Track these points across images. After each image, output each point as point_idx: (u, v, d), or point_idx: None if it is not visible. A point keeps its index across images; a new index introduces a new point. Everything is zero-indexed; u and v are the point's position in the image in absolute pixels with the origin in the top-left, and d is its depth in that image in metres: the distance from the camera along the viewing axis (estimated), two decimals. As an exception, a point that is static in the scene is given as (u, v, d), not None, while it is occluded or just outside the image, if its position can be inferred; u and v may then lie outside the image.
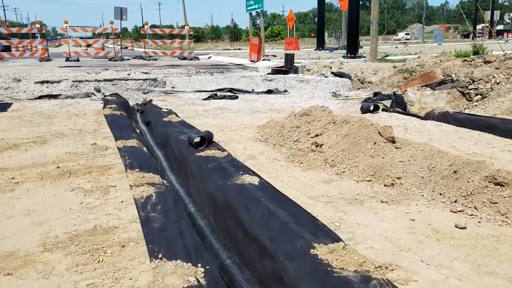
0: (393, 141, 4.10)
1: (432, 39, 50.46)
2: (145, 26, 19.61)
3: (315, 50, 23.52)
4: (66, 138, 5.41)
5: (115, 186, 3.59)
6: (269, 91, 9.85)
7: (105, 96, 9.01)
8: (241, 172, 3.80)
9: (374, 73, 9.72)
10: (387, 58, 15.21)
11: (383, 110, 7.20)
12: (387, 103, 7.91)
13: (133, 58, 20.75)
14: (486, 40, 46.37)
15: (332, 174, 3.78)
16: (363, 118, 4.41)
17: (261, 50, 15.19)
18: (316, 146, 4.33)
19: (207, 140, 4.84)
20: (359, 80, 9.89)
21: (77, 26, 20.63)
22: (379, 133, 4.20)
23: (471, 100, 7.16)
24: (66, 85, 9.79)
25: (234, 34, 61.51)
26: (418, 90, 7.94)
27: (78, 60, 18.23)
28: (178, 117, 6.80)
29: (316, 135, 4.52)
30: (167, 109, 7.59)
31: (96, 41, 22.83)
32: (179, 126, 6.11)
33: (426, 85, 8.25)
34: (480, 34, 54.23)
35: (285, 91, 9.99)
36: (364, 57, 14.39)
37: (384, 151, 3.96)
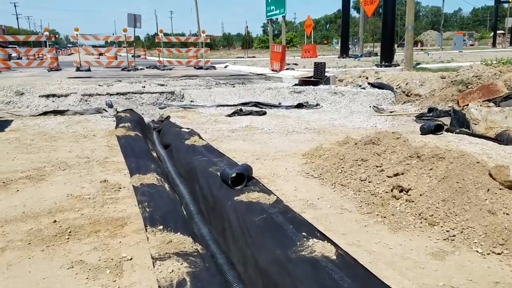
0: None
1: (449, 46, 49.02)
2: (160, 34, 18.70)
3: (338, 57, 22.34)
4: (70, 171, 4.36)
5: (131, 260, 2.50)
6: (300, 105, 8.76)
7: (117, 112, 7.99)
8: (304, 234, 2.70)
9: (421, 84, 8.57)
10: (419, 66, 14.03)
11: (446, 130, 6.05)
12: (446, 120, 6.76)
13: (146, 67, 19.85)
14: (508, 47, 44.88)
15: (439, 240, 2.65)
16: (464, 152, 3.27)
17: (284, 59, 14.11)
18: (400, 191, 3.20)
19: (246, 177, 3.76)
20: (404, 92, 8.74)
21: (89, 34, 19.84)
22: (490, 175, 3.07)
23: (552, 119, 5.98)
24: (75, 100, 8.81)
25: (247, 41, 60.78)
26: (481, 105, 6.77)
27: (89, 70, 17.35)
28: (202, 139, 5.74)
29: (396, 175, 3.39)
30: (188, 128, 6.55)
31: (108, 49, 22.00)
32: (206, 153, 5.04)
33: (488, 100, 7.08)
34: (501, 42, 52.67)
35: (317, 104, 8.88)
36: (399, 65, 13.24)
37: (504, 202, 2.83)
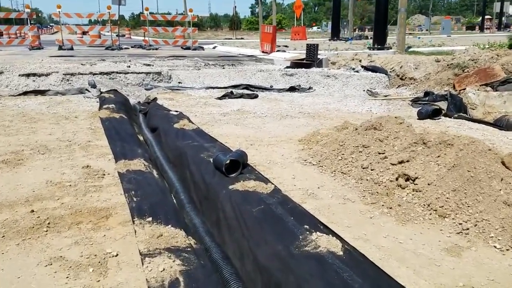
0: (526, 177, 2.78)
1: (437, 30, 48.83)
2: (146, 12, 18.09)
3: (329, 40, 21.97)
4: (50, 155, 4.06)
5: (117, 256, 2.26)
6: (292, 88, 8.50)
7: (101, 92, 7.64)
8: (306, 227, 2.49)
9: (415, 68, 8.36)
10: (411, 50, 13.82)
11: (443, 115, 5.87)
12: (442, 105, 6.58)
13: (131, 47, 19.26)
14: (496, 33, 44.92)
15: (453, 234, 2.45)
16: (474, 139, 3.07)
17: (275, 40, 13.73)
18: (406, 180, 3.00)
19: (241, 164, 3.52)
20: (398, 76, 8.52)
21: (72, 12, 19.13)
22: (502, 163, 2.88)
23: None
24: (56, 79, 8.40)
25: (235, 23, 59.84)
26: (478, 90, 6.60)
27: (72, 49, 16.75)
28: (192, 123, 5.47)
29: (401, 162, 3.19)
30: (176, 111, 6.26)
31: (92, 28, 21.29)
32: (196, 137, 4.78)
33: (485, 84, 6.91)
34: (488, 26, 52.70)
35: (310, 88, 8.63)
36: (391, 48, 13.00)
37: (520, 193, 2.64)
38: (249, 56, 13.85)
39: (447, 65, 7.76)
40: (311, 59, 10.00)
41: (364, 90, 8.35)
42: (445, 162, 2.95)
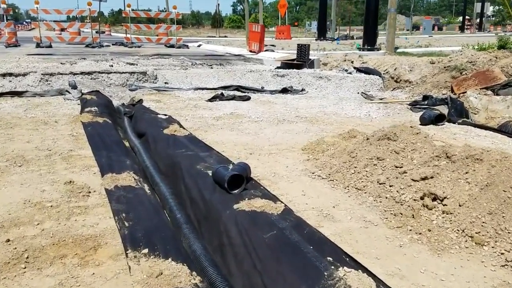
0: None
1: (417, 30, 49.17)
2: (128, 9, 17.49)
3: (316, 40, 21.70)
4: (28, 168, 3.63)
5: (110, 303, 1.88)
6: (284, 90, 8.16)
7: (82, 94, 7.17)
8: (330, 259, 2.16)
9: (410, 70, 8.13)
10: (399, 50, 13.64)
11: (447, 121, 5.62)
12: (442, 109, 6.34)
13: (112, 44, 18.62)
14: (476, 33, 45.48)
15: (497, 267, 2.15)
16: (507, 154, 2.79)
17: (263, 39, 13.36)
18: (433, 200, 2.69)
19: (245, 179, 3.17)
20: (392, 78, 8.27)
21: (50, 8, 18.34)
22: (540, 182, 2.59)
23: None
24: (34, 79, 7.88)
25: (217, 20, 59.24)
26: (479, 94, 6.39)
27: (50, 46, 16.06)
28: (183, 128, 5.10)
29: (424, 179, 2.88)
30: (165, 115, 5.86)
31: (71, 25, 20.58)
32: (189, 145, 4.41)
33: (486, 87, 6.70)
34: (468, 27, 53.36)
35: (302, 90, 8.31)
36: (381, 49, 12.77)
37: None
38: (236, 55, 13.45)
39: (444, 67, 7.55)
40: (302, 60, 9.68)
41: (358, 93, 8.08)
42: (476, 180, 2.65)
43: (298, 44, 10.17)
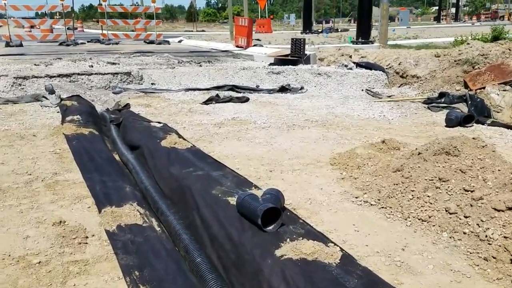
0: None
1: (393, 22, 49.14)
2: (104, 3, 16.51)
3: (301, 33, 21.08)
4: (5, 202, 2.92)
5: None
6: (283, 89, 7.54)
7: (61, 99, 6.38)
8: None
9: (415, 64, 7.62)
10: (389, 43, 13.17)
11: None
12: (461, 107, 5.85)
13: (88, 41, 17.61)
14: (453, 23, 45.77)
15: None
16: None
17: (251, 34, 12.68)
18: (534, 240, 2.13)
19: (281, 212, 2.55)
20: (397, 73, 7.74)
21: (20, 4, 17.18)
22: None
23: None
24: (6, 84, 7.03)
25: (192, 14, 58.09)
26: (499, 90, 5.92)
27: (21, 45, 15.00)
28: (183, 138, 4.45)
29: (511, 208, 2.31)
30: (159, 122, 5.18)
31: (42, 22, 19.36)
32: (196, 161, 3.77)
33: (504, 82, 6.24)
34: (443, 17, 53.73)
35: (301, 88, 7.71)
36: (375, 42, 12.26)
37: None
38: (223, 51, 12.74)
39: (454, 61, 7.05)
40: (297, 55, 9.07)
41: (362, 90, 7.52)
42: None
43: (292, 38, 9.54)
